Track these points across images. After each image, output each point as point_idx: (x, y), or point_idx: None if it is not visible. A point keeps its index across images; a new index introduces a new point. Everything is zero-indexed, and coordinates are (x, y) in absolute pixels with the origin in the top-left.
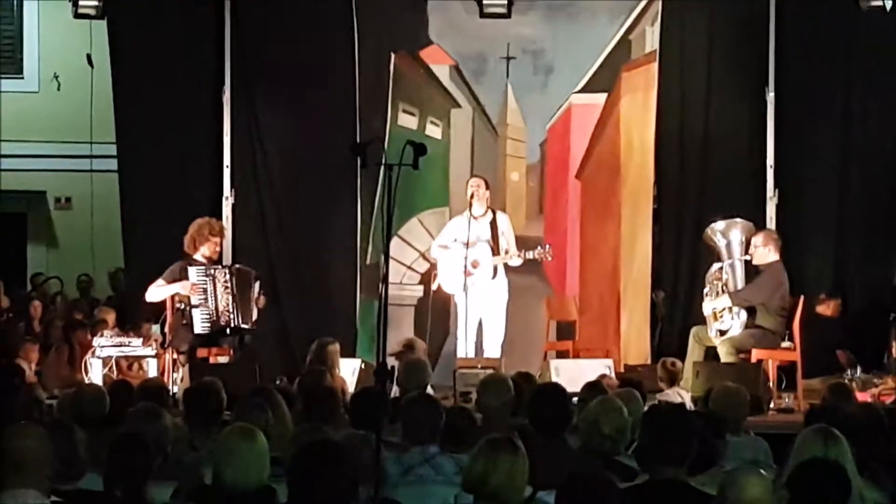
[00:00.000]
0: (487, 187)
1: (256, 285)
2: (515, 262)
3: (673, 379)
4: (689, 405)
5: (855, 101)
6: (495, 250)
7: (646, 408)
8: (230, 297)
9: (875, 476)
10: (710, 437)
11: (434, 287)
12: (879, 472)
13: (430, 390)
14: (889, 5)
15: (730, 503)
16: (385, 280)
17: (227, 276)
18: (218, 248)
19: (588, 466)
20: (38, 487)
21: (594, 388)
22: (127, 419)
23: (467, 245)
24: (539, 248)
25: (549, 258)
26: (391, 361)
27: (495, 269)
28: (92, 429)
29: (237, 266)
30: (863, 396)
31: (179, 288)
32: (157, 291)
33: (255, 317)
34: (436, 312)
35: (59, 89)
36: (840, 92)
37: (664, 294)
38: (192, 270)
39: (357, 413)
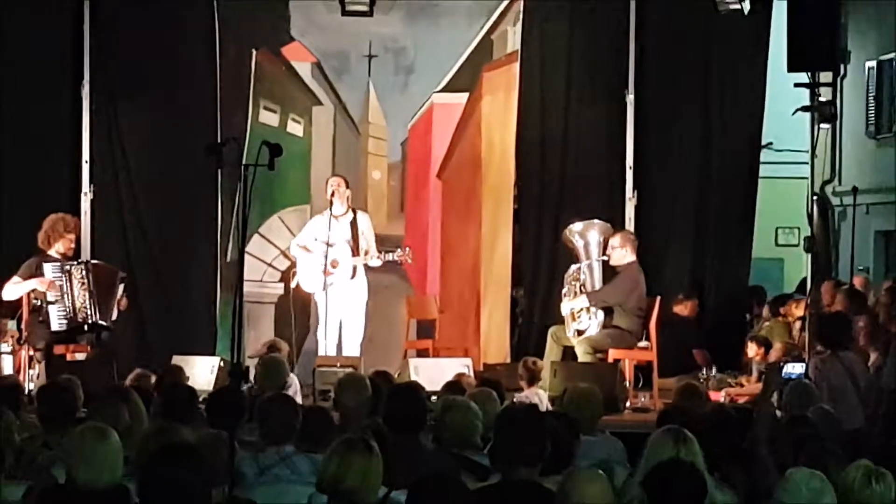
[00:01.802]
0: (347, 186)
1: (121, 287)
2: (375, 262)
3: (533, 378)
4: (547, 405)
5: (713, 103)
6: (355, 251)
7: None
8: (87, 294)
9: (726, 476)
10: (565, 437)
11: (293, 285)
12: (731, 472)
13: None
14: (747, 8)
15: (570, 501)
16: (240, 279)
17: (84, 273)
18: (73, 245)
19: (442, 466)
20: None
21: (453, 387)
22: None
23: (327, 244)
24: (399, 250)
25: (409, 261)
26: (253, 362)
27: (354, 269)
28: None
29: (94, 262)
30: (717, 396)
31: (36, 284)
32: (13, 289)
33: (114, 316)
34: (297, 310)
35: None
36: (699, 94)
37: (523, 291)
38: (47, 267)
39: (213, 412)
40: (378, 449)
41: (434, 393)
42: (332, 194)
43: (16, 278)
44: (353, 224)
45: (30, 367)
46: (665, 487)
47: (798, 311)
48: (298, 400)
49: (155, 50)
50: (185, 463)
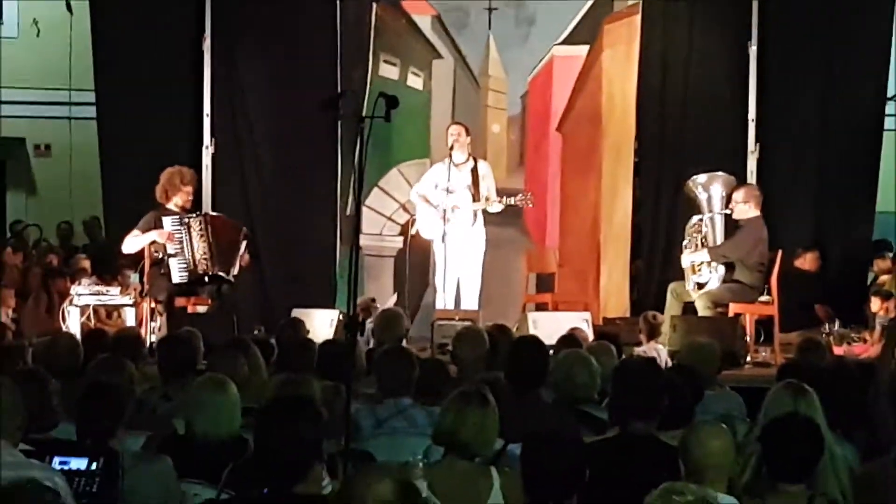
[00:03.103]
0: (468, 134)
1: (244, 244)
2: (496, 207)
3: (653, 332)
4: (667, 359)
5: (838, 56)
6: (475, 196)
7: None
8: (206, 246)
9: (847, 432)
10: (685, 391)
11: (412, 232)
12: (851, 427)
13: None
14: None
15: (691, 455)
16: (357, 232)
17: (203, 225)
18: (190, 198)
19: (558, 420)
20: (7, 438)
21: (567, 341)
22: (89, 370)
23: (447, 191)
24: (520, 194)
25: (531, 205)
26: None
27: (475, 215)
28: (66, 378)
29: (213, 214)
30: (839, 351)
31: (155, 236)
32: (133, 242)
33: (236, 271)
34: (415, 264)
35: (38, 35)
36: (823, 47)
37: (643, 261)
38: (166, 220)
39: (328, 364)
40: (494, 402)
41: (550, 347)
42: (453, 143)
43: (135, 231)
44: (474, 171)
45: (151, 320)
46: (782, 442)
47: None
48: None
49: (275, 3)
50: (295, 412)
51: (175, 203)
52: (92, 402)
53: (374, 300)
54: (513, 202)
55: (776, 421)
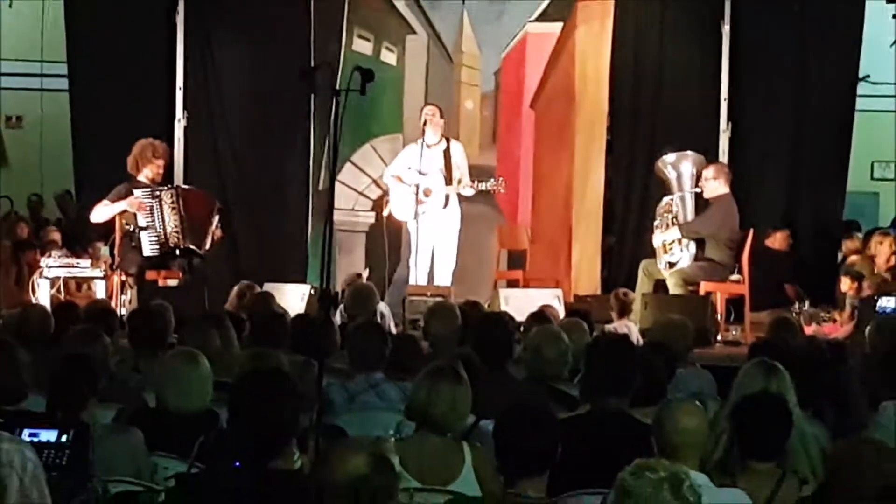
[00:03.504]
0: (442, 115)
1: (216, 218)
2: (468, 192)
3: (624, 309)
4: (637, 336)
5: (810, 35)
6: (448, 179)
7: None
8: (178, 219)
9: (817, 411)
10: (658, 368)
11: (385, 214)
12: (822, 406)
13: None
14: None
15: (664, 432)
16: (331, 207)
17: (174, 198)
18: (161, 171)
19: (531, 396)
20: None
21: (537, 317)
22: (66, 340)
23: (420, 173)
24: (492, 179)
25: (502, 190)
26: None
27: (447, 198)
28: (36, 350)
29: (184, 187)
30: (809, 330)
31: (126, 205)
32: (103, 210)
33: (208, 246)
34: (388, 239)
35: (10, 6)
36: (795, 25)
37: (614, 238)
38: (137, 193)
39: (300, 339)
40: (467, 377)
41: (521, 324)
42: (426, 123)
43: (105, 201)
44: (447, 153)
45: (122, 293)
46: (752, 419)
47: (882, 246)
48: (392, 328)
49: None
50: (275, 388)
51: (146, 175)
52: (65, 374)
53: (359, 275)
54: (485, 188)
55: (746, 399)
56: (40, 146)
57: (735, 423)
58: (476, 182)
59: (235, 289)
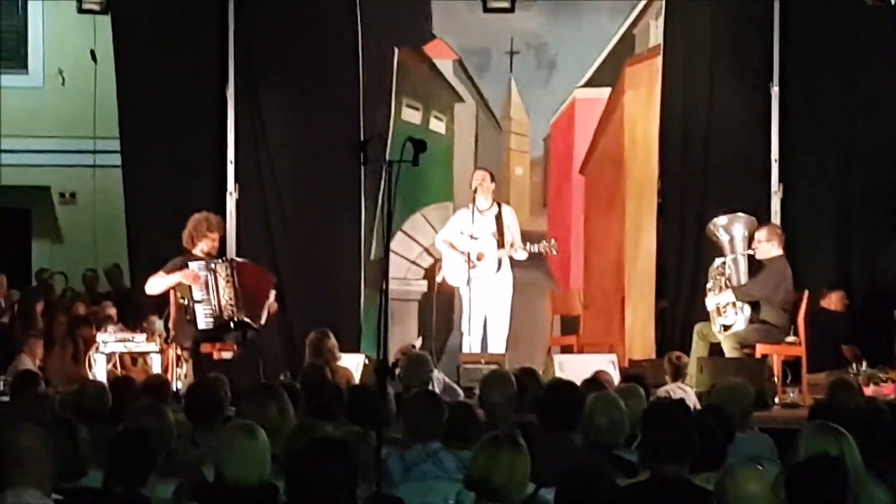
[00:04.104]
0: (493, 180)
1: (272, 294)
2: (520, 255)
3: (678, 373)
4: (694, 401)
5: (859, 95)
6: (500, 243)
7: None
8: (232, 291)
9: (882, 473)
10: (717, 433)
11: (438, 280)
12: (886, 468)
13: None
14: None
15: (727, 499)
16: (386, 276)
17: (229, 271)
18: (216, 244)
19: (590, 463)
20: (39, 486)
21: (591, 383)
22: (128, 415)
23: (472, 238)
24: (544, 241)
25: (555, 252)
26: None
27: (500, 262)
28: (94, 425)
29: (239, 259)
30: (868, 391)
31: (180, 277)
32: (158, 282)
33: (263, 321)
34: (440, 307)
35: (63, 84)
36: (844, 86)
37: (668, 301)
38: (192, 265)
39: (356, 409)
40: (526, 445)
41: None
42: (476, 188)
43: (160, 273)
44: (498, 217)
45: (177, 366)
46: (806, 483)
47: None
48: (456, 390)
49: (298, 48)
50: (332, 459)
51: (201, 249)
52: (124, 449)
53: (413, 346)
54: (537, 250)
55: (802, 462)
56: (94, 221)
57: (790, 487)
58: (528, 245)
59: (312, 335)
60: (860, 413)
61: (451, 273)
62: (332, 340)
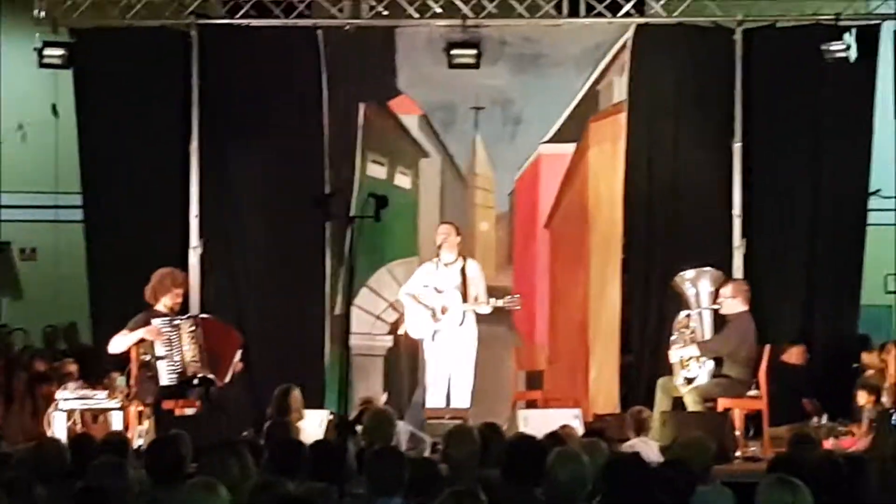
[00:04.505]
0: (458, 234)
1: (238, 353)
2: (484, 309)
3: (641, 427)
4: (657, 455)
5: (822, 151)
6: (464, 297)
7: None
8: (197, 348)
9: None
10: (680, 487)
11: (401, 332)
12: None
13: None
14: (854, 56)
15: None
16: (347, 332)
17: (193, 327)
18: (179, 300)
19: None
20: None
21: (553, 438)
22: (88, 473)
23: (436, 291)
24: (508, 296)
25: (518, 307)
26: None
27: (464, 316)
28: (53, 483)
29: (203, 316)
30: (828, 444)
31: (145, 334)
32: (122, 340)
33: (228, 378)
34: (405, 363)
35: (23, 139)
36: (806, 141)
37: (633, 355)
38: (156, 322)
39: (318, 465)
40: (488, 501)
41: None
42: (442, 243)
43: (124, 331)
44: (463, 271)
45: (139, 423)
46: None
47: (889, 357)
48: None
49: (262, 104)
50: None
51: (164, 304)
52: None
53: (370, 399)
54: (500, 304)
55: None
56: (55, 278)
57: None
58: (492, 299)
59: (276, 390)
60: (818, 466)
61: (414, 326)
62: (297, 395)
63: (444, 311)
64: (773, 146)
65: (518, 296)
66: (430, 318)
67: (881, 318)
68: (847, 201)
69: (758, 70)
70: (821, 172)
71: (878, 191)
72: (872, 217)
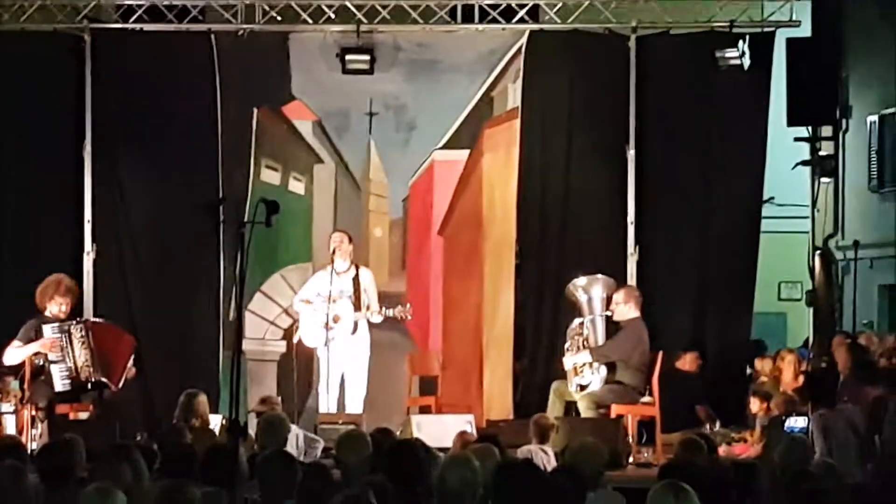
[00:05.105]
0: (351, 241)
1: (132, 357)
2: (376, 318)
3: (544, 435)
4: (553, 462)
5: (714, 158)
6: (357, 306)
7: None
8: (88, 352)
9: None
10: (570, 492)
11: (295, 340)
12: None
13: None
14: (747, 64)
15: None
16: (238, 337)
17: (83, 332)
18: (66, 307)
19: None
20: None
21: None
22: None
23: (329, 299)
24: (399, 306)
25: (409, 317)
26: (253, 419)
27: (356, 324)
28: None
29: (94, 320)
30: (722, 450)
31: (38, 347)
32: (15, 353)
33: (121, 384)
34: (300, 367)
35: None
36: (700, 149)
37: (526, 361)
38: (46, 328)
39: (210, 470)
40: None
41: (440, 449)
42: (335, 250)
43: (16, 342)
44: (356, 280)
45: (32, 427)
46: None
47: (785, 363)
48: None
49: (156, 109)
50: None
51: (51, 311)
52: None
53: (269, 397)
54: (391, 314)
55: None
56: None
57: None
58: (383, 309)
59: (183, 396)
60: (707, 472)
61: (308, 334)
62: (203, 400)
63: (336, 320)
64: (667, 153)
65: (409, 306)
66: (323, 326)
67: (774, 325)
68: (741, 208)
69: (652, 77)
70: (715, 180)
71: (771, 198)
72: (767, 224)
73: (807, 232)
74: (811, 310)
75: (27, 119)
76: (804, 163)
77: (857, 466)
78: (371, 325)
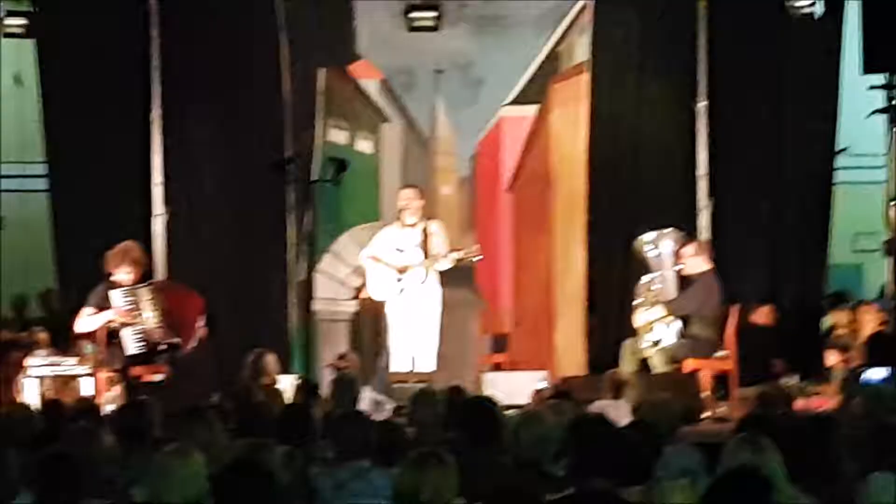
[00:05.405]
0: (421, 197)
1: (202, 318)
2: (445, 265)
3: (618, 390)
4: (628, 416)
5: (786, 109)
6: (426, 255)
7: None
8: (158, 313)
9: (809, 485)
10: (643, 448)
11: (364, 296)
12: (813, 480)
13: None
14: (819, 12)
15: None
16: (309, 297)
17: (151, 294)
18: (131, 274)
19: (518, 479)
20: None
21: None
22: (62, 438)
23: (398, 250)
24: (466, 248)
25: (480, 257)
26: (326, 374)
27: (426, 273)
28: (24, 448)
29: (163, 281)
30: (798, 404)
31: (110, 316)
32: (87, 322)
33: (193, 344)
34: (370, 327)
35: None
36: (771, 100)
37: (599, 319)
38: (114, 294)
39: (285, 429)
40: (453, 462)
41: (512, 406)
42: (403, 207)
43: (88, 309)
44: (425, 231)
45: (108, 389)
46: (727, 495)
47: (867, 317)
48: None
49: (222, 69)
50: (257, 481)
51: (118, 278)
52: (52, 474)
53: (343, 355)
54: (461, 256)
55: (724, 474)
56: (23, 247)
57: (710, 500)
58: (452, 253)
59: (250, 355)
60: (786, 425)
61: (376, 287)
62: (271, 360)
63: (405, 269)
64: (738, 105)
65: (477, 245)
66: (393, 279)
67: (850, 277)
68: (813, 159)
69: (722, 28)
70: (787, 130)
71: (845, 148)
72: (841, 175)
73: (883, 182)
74: (888, 260)
75: (95, 83)
76: (880, 111)
77: None
78: (442, 282)
